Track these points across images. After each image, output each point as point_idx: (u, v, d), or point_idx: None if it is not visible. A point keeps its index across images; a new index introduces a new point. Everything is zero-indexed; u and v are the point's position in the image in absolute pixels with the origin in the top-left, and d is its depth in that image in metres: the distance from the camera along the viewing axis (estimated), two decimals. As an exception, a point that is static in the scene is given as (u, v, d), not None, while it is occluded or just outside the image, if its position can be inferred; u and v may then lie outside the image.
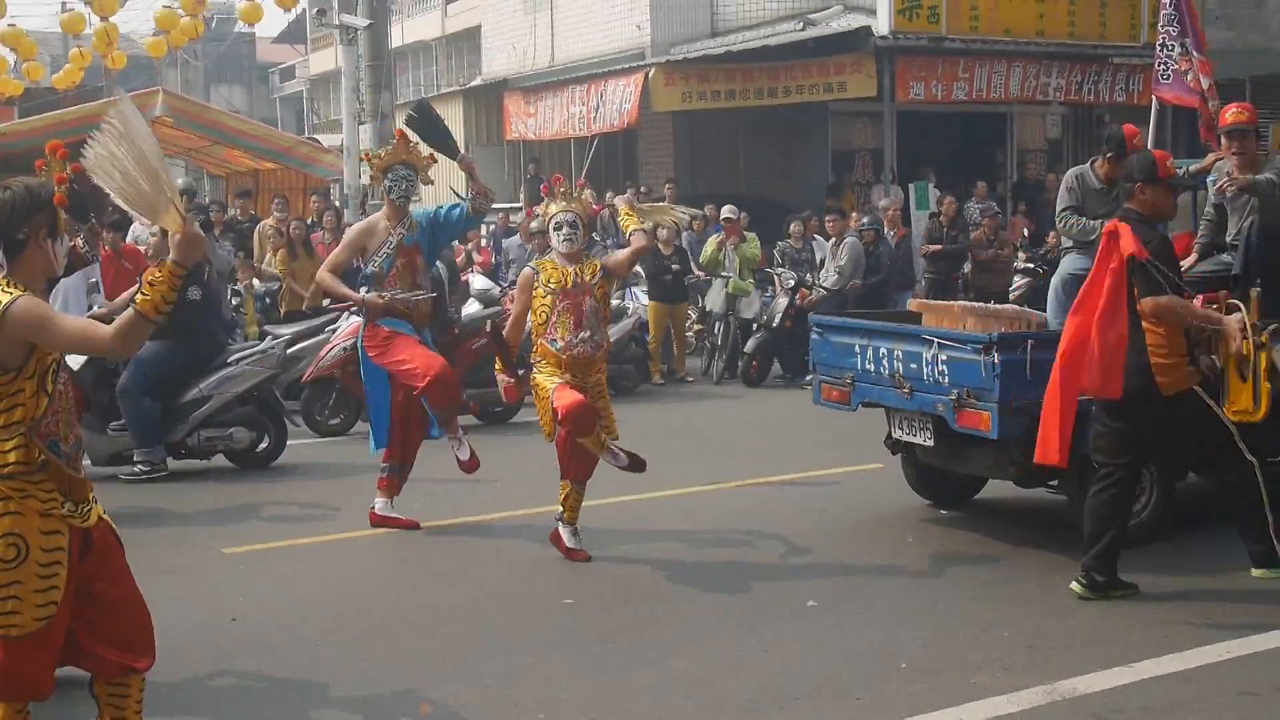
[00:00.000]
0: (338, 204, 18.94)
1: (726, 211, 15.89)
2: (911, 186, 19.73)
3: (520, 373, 7.87)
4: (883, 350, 8.02)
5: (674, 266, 15.23)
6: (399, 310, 8.23)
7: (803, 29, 20.53)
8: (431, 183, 8.62)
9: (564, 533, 7.68)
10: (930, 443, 7.95)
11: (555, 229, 7.60)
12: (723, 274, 15.33)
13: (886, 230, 16.04)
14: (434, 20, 39.26)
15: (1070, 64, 21.32)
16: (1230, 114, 8.46)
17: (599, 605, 6.92)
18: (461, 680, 5.83)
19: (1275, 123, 18.83)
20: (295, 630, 6.55)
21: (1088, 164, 8.99)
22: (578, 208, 7.67)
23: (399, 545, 8.20)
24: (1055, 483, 7.93)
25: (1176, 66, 10.09)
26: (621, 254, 7.86)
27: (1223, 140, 8.61)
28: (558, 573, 7.46)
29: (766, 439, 11.50)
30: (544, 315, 7.47)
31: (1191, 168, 9.15)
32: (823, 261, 15.61)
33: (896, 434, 8.37)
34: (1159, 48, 10.44)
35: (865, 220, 16.29)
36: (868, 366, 8.08)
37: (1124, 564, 7.16)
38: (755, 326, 15.05)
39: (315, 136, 31.79)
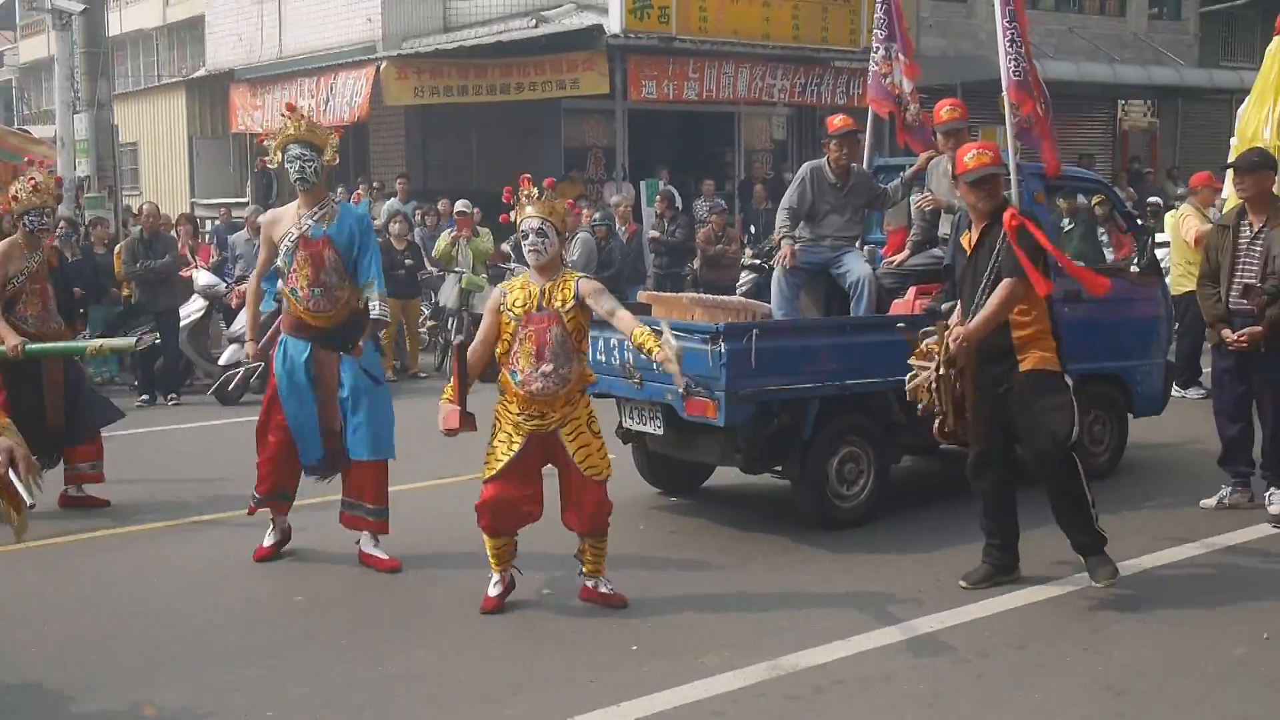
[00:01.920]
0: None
1: (460, 206, 15.81)
2: (643, 184, 20.03)
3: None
4: (613, 341, 8.11)
5: (407, 262, 15.07)
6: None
7: (535, 26, 20.62)
8: (333, 162, 7.53)
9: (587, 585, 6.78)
10: (660, 431, 8.08)
11: (523, 237, 6.55)
12: (456, 269, 15.24)
13: (618, 226, 16.24)
14: (154, 8, 37.85)
15: (794, 67, 22.00)
16: (944, 111, 8.88)
17: (330, 602, 6.82)
18: (191, 681, 5.66)
19: (985, 127, 19.82)
20: (7, 636, 6.23)
21: (824, 159, 9.18)
22: (550, 212, 6.55)
23: (126, 549, 7.88)
24: (780, 469, 8.18)
25: (877, 69, 10.26)
26: (593, 288, 6.50)
27: (938, 137, 9.02)
28: (288, 571, 7.30)
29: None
30: (507, 342, 6.49)
31: (905, 172, 9.55)
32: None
33: (627, 423, 8.48)
34: (871, 52, 10.69)
35: (597, 216, 16.46)
36: (599, 357, 8.16)
37: (843, 544, 7.47)
38: (489, 321, 14.97)
39: (26, 127, 30.23)
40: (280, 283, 7.53)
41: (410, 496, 8.52)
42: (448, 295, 15.38)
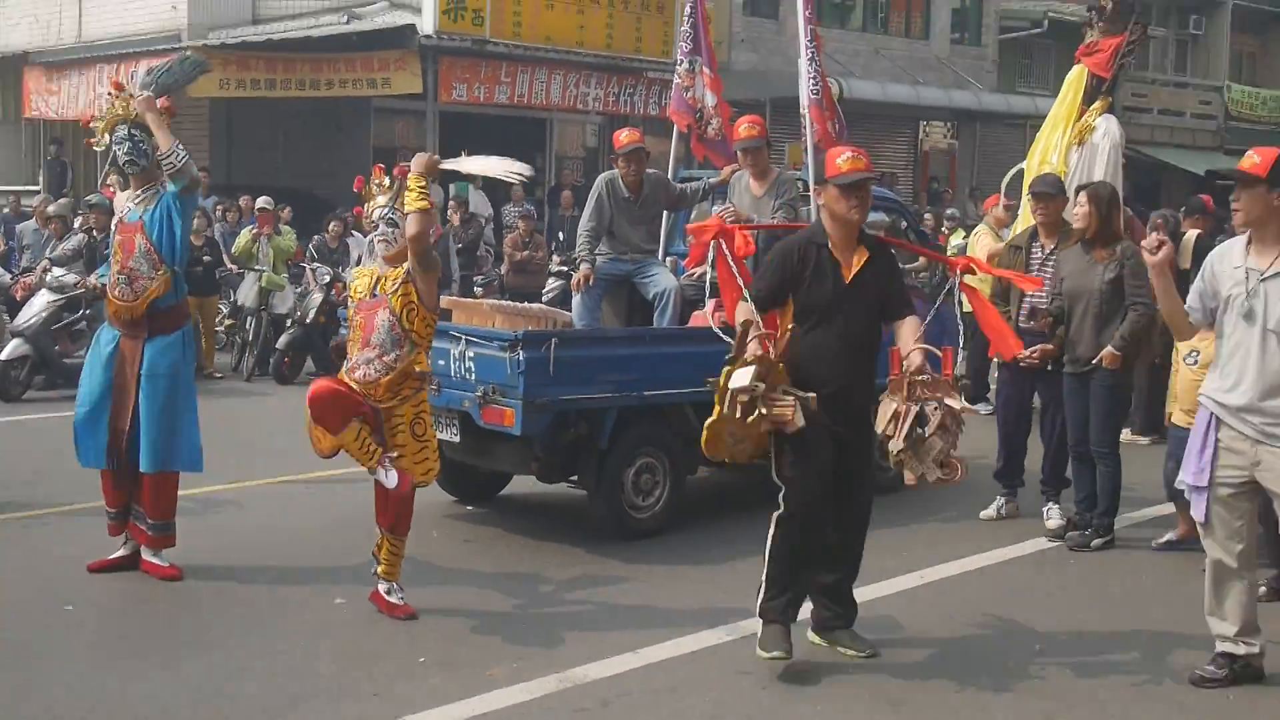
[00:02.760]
0: None
1: (261, 202, 15.46)
2: (453, 186, 19.86)
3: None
4: (411, 347, 8.01)
5: (205, 258, 14.67)
6: None
7: (347, 22, 20.30)
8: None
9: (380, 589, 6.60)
10: (456, 439, 8.01)
11: (373, 227, 6.49)
12: (256, 267, 14.89)
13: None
14: (-57, -15, 36.15)
15: (608, 75, 22.09)
16: (743, 129, 8.99)
17: (107, 612, 6.58)
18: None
19: (791, 142, 20.18)
20: None
21: (616, 171, 9.19)
22: (401, 202, 6.39)
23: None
24: (576, 478, 8.18)
25: (680, 81, 10.23)
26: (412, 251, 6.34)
27: (739, 154, 9.14)
28: (62, 578, 7.01)
29: (297, 437, 11.22)
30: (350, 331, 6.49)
31: (711, 180, 9.67)
32: (359, 259, 15.44)
33: (424, 430, 8.39)
34: (676, 64, 10.62)
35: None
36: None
37: (637, 555, 7.50)
38: (289, 322, 14.70)
39: None
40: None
41: (190, 503, 8.28)
42: (246, 294, 15.02)
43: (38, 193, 20.09)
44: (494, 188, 20.91)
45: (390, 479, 6.29)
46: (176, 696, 5.45)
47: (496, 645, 6.15)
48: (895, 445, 5.73)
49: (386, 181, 6.55)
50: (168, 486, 7.16)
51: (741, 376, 5.60)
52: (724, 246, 6.22)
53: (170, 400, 7.10)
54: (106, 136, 7.13)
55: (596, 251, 9.07)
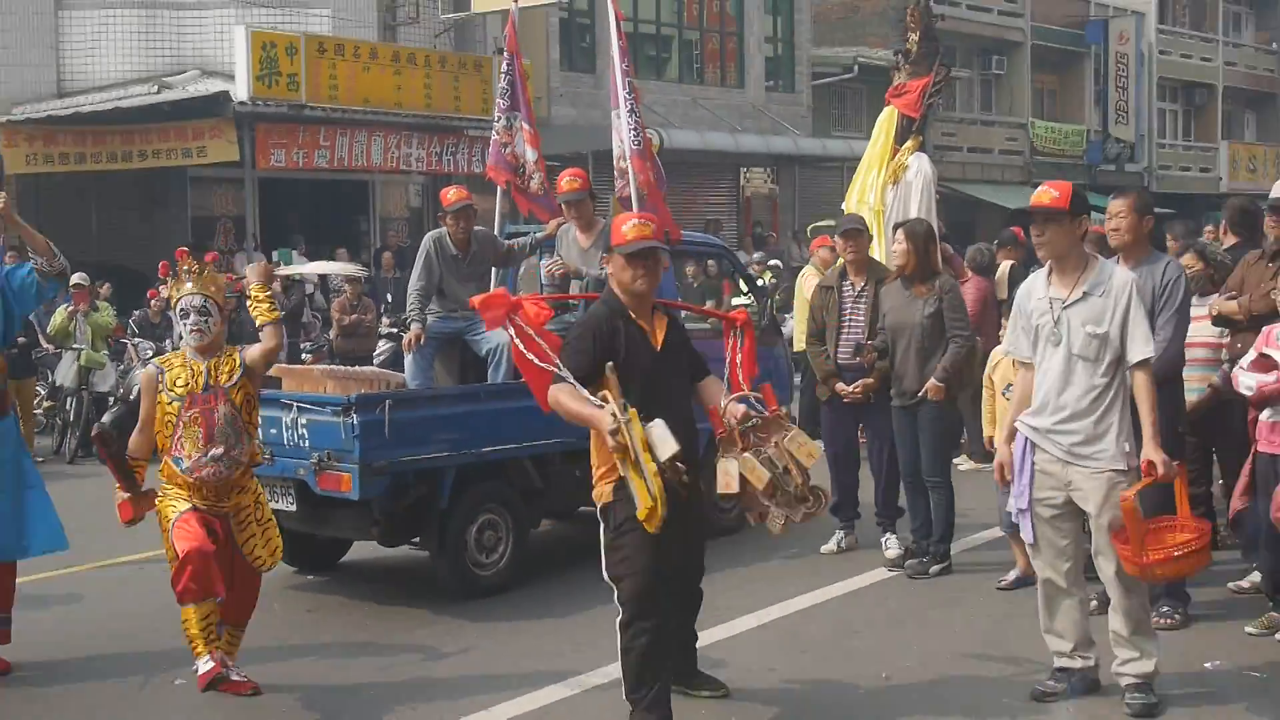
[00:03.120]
0: None
1: (77, 279, 14.96)
2: (275, 253, 19.57)
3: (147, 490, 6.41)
4: (240, 417, 7.85)
5: (20, 339, 14.16)
6: None
7: (158, 92, 19.88)
8: None
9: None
10: (293, 508, 7.85)
11: (182, 316, 6.18)
12: (74, 346, 14.45)
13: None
14: None
15: (429, 135, 22.03)
16: (564, 182, 9.07)
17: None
18: None
19: (612, 195, 20.35)
20: None
21: (444, 229, 9.14)
22: (211, 288, 6.22)
23: None
24: (418, 539, 8.09)
25: (498, 138, 10.15)
26: (256, 350, 6.30)
27: (563, 206, 9.20)
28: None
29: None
30: (170, 426, 6.09)
31: (538, 234, 9.69)
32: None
33: (259, 501, 8.21)
34: (494, 121, 10.47)
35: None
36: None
37: (483, 613, 7.43)
38: (111, 400, 14.25)
39: None
40: None
41: (43, 587, 7.99)
42: (65, 374, 14.55)
43: None
44: (317, 253, 20.66)
45: (205, 667, 6.08)
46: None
47: (344, 715, 6.03)
48: (769, 503, 5.70)
49: (196, 266, 6.28)
50: (9, 578, 6.83)
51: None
52: (517, 321, 5.76)
53: (19, 485, 6.79)
54: None
55: (427, 310, 9.02)
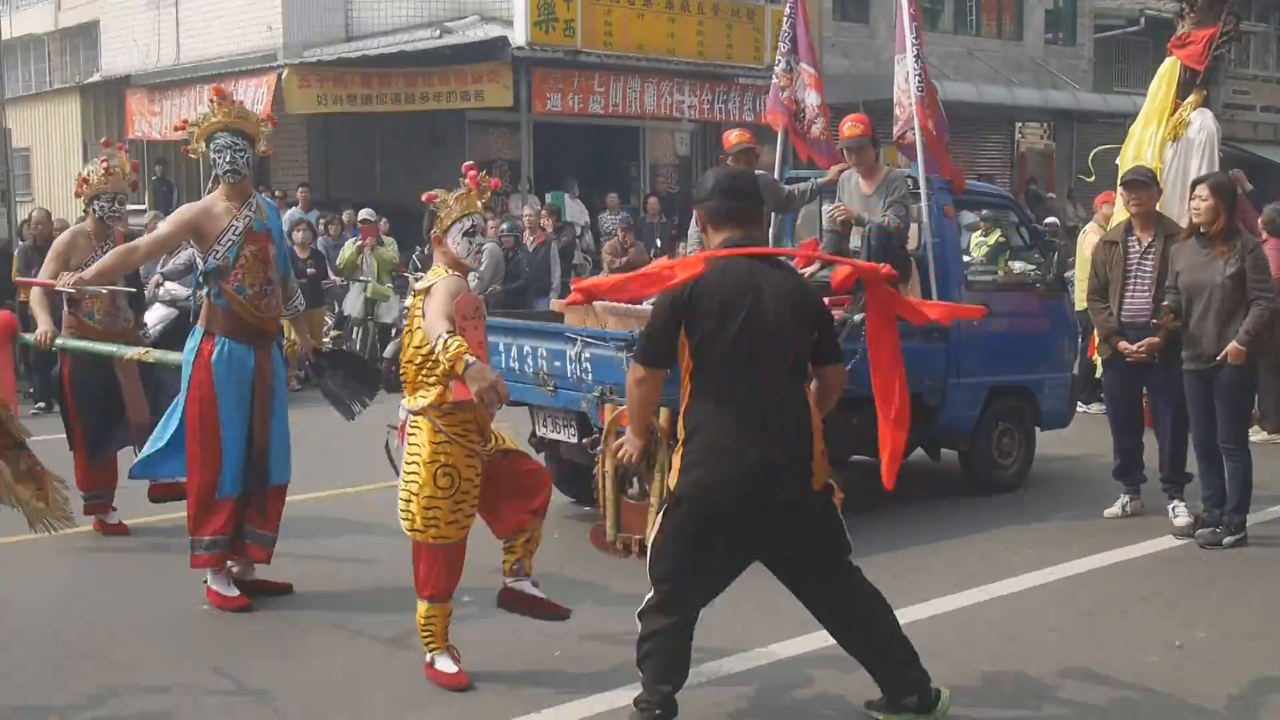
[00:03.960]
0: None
1: (364, 214, 15.64)
2: (548, 195, 19.97)
3: None
4: (527, 349, 8.03)
5: (310, 270, 14.84)
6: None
7: (439, 36, 20.46)
8: (268, 152, 6.93)
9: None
10: (574, 439, 7.99)
11: (468, 235, 5.67)
12: (361, 278, 15.05)
13: (525, 237, 16.16)
14: (46, 13, 36.95)
15: (700, 82, 22.08)
16: (847, 128, 8.94)
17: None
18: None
19: (886, 146, 20.01)
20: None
21: None
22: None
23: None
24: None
25: (777, 81, 10.04)
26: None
27: (845, 152, 9.07)
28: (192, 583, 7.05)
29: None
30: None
31: (818, 180, 9.60)
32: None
33: (541, 431, 8.40)
34: (774, 65, 10.41)
35: (505, 227, 16.36)
36: (512, 365, 8.07)
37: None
38: (394, 331, 14.84)
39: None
40: (210, 283, 6.72)
41: (298, 509, 8.34)
42: (353, 304, 15.20)
43: (144, 211, 20.43)
44: (589, 195, 21.00)
45: (449, 668, 5.62)
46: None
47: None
48: None
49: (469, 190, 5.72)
50: (279, 500, 6.95)
51: None
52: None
53: (286, 412, 7.00)
54: (203, 144, 6.78)
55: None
